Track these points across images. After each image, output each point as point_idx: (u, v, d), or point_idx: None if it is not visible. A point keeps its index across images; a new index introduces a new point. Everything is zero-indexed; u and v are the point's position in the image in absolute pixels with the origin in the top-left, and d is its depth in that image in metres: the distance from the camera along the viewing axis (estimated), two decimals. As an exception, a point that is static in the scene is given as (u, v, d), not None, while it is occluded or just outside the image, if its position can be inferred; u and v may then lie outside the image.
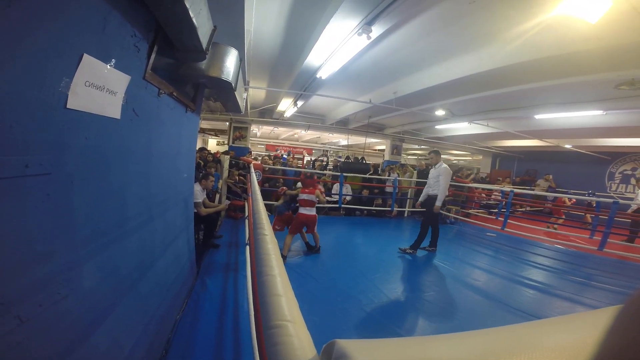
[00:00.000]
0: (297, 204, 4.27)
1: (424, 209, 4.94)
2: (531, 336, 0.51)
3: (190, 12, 1.44)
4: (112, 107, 1.27)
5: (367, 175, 8.11)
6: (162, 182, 2.11)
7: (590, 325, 0.52)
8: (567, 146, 9.67)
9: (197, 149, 6.91)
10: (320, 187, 4.52)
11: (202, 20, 1.63)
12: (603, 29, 3.00)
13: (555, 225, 7.23)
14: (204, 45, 1.82)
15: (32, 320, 0.93)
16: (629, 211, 6.51)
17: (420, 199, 5.03)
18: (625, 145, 8.79)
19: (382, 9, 2.94)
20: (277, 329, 0.53)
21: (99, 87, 1.15)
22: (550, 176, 11.02)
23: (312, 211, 4.11)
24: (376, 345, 0.45)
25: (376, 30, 3.28)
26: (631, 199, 7.16)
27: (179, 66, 2.09)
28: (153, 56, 1.58)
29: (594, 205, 6.72)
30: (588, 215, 8.08)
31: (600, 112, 5.63)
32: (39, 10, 0.82)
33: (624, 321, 0.25)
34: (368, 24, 3.16)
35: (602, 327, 0.26)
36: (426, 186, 4.92)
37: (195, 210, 3.83)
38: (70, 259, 1.11)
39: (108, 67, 1.19)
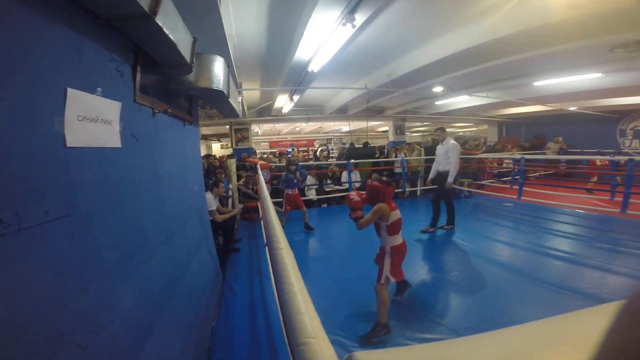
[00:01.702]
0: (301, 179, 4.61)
1: (435, 186, 4.93)
2: (545, 334, 0.52)
3: (165, 30, 1.44)
4: (110, 136, 1.31)
5: (374, 160, 8.08)
6: (175, 199, 2.16)
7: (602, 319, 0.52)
8: (572, 108, 9.41)
9: (202, 155, 7.02)
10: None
11: (179, 35, 1.64)
12: None
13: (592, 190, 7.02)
14: (187, 58, 1.83)
15: (90, 347, 1.02)
16: None
17: (431, 175, 5.04)
18: (632, 103, 8.52)
19: (362, -5, 2.88)
20: (304, 346, 0.59)
21: (93, 119, 1.17)
22: (560, 138, 10.75)
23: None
24: (393, 356, 0.47)
25: (360, 18, 3.22)
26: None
27: (168, 82, 2.11)
28: (139, 77, 1.60)
29: (620, 163, 6.42)
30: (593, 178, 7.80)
31: (599, 74, 5.53)
32: (7, 56, 0.83)
33: (624, 320, 0.25)
34: (350, 12, 3.11)
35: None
36: (435, 163, 4.91)
37: (211, 218, 3.92)
38: (107, 285, 1.19)
39: (95, 97, 1.21)
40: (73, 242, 1.03)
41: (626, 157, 5.19)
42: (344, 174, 7.57)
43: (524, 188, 6.29)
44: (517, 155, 7.36)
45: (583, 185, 7.26)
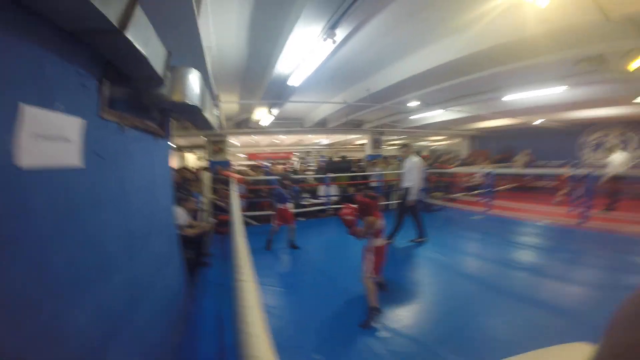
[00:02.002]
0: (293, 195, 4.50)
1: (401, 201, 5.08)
2: None
3: (136, 44, 1.40)
4: (71, 155, 1.24)
5: (352, 174, 8.17)
6: (141, 215, 2.07)
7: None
8: (538, 122, 10.03)
9: (176, 168, 6.81)
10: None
11: (152, 49, 1.61)
12: (553, 13, 3.15)
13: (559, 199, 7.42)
14: (160, 72, 1.79)
15: None
16: (603, 180, 6.54)
17: (412, 197, 5.07)
18: (593, 116, 9.21)
19: (343, 12, 2.96)
20: None
21: (50, 136, 1.10)
22: (528, 151, 11.41)
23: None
24: None
25: (340, 34, 3.32)
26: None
27: (139, 96, 2.05)
28: (106, 92, 1.54)
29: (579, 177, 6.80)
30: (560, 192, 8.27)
31: (563, 88, 5.87)
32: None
33: (621, 323, 0.26)
34: (331, 28, 3.19)
35: None
36: (402, 179, 5.09)
37: (180, 233, 3.77)
38: (59, 307, 1.12)
39: (55, 113, 1.14)
40: (21, 268, 0.96)
41: (585, 171, 5.53)
42: (322, 188, 7.59)
43: (492, 201, 6.57)
44: (487, 170, 7.71)
45: (548, 197, 7.67)
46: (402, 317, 2.71)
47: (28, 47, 1.04)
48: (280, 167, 11.11)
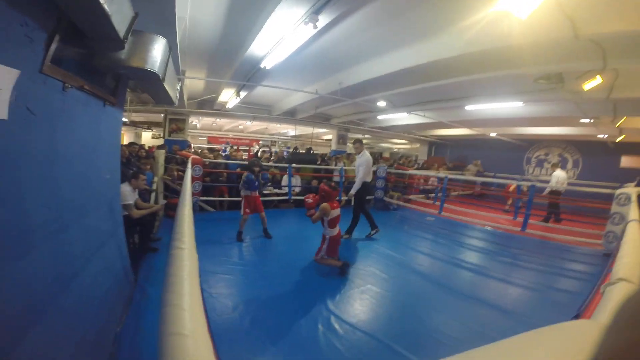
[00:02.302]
0: (262, 182, 4.62)
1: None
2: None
3: None
4: (-6, 105, 1.06)
5: (316, 166, 8.17)
6: (76, 186, 1.86)
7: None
8: (492, 134, 10.84)
9: (126, 143, 6.28)
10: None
11: (116, 7, 1.44)
12: (531, 26, 3.27)
13: (507, 208, 8.07)
14: (121, 33, 1.61)
15: None
16: (544, 193, 7.30)
17: (352, 191, 5.12)
18: (540, 134, 10.15)
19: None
20: None
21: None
22: (479, 161, 12.29)
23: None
24: None
25: (323, 20, 3.26)
26: (547, 181, 8.24)
27: (92, 57, 1.82)
28: (54, 47, 1.35)
29: (523, 189, 7.53)
30: (509, 201, 9.12)
31: (520, 103, 6.32)
32: None
33: (620, 324, 0.26)
34: (315, 12, 3.12)
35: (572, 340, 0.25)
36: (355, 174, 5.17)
37: (127, 213, 3.49)
38: None
39: None
40: None
41: (529, 183, 6.10)
42: (285, 178, 7.49)
43: (445, 204, 6.99)
44: (442, 174, 8.16)
45: (495, 205, 8.35)
46: (357, 311, 2.77)
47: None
48: (240, 153, 10.78)
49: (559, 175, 7.38)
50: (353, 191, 4.90)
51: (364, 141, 20.26)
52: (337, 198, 7.01)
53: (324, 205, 3.30)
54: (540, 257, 4.60)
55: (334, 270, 3.46)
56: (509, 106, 6.72)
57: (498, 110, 7.29)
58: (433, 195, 9.28)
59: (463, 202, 8.83)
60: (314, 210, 3.40)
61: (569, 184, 7.70)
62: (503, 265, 4.26)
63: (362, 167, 4.88)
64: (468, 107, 7.29)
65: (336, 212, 3.38)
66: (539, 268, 4.19)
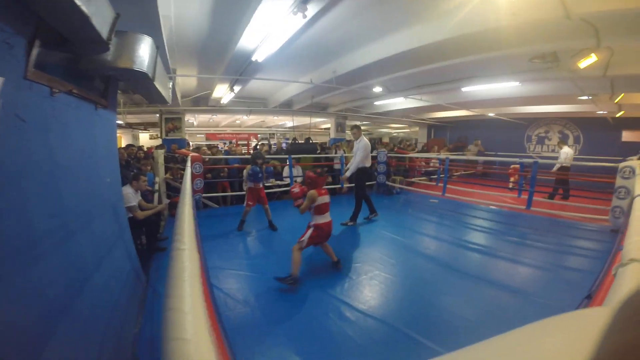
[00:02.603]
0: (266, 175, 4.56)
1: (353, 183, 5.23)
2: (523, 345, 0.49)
3: (77, 1, 1.22)
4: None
5: (315, 155, 8.14)
6: (78, 192, 1.87)
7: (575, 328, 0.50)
8: (491, 114, 10.72)
9: (124, 146, 6.28)
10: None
11: (95, 8, 1.41)
12: (521, 5, 3.24)
13: (511, 185, 8.03)
14: (104, 35, 1.58)
15: None
16: (554, 170, 7.26)
17: (347, 174, 5.22)
18: (538, 112, 10.05)
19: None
20: None
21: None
22: (479, 141, 12.20)
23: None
24: None
25: (312, 9, 3.18)
26: (551, 158, 8.15)
27: (76, 60, 1.80)
28: (35, 52, 1.33)
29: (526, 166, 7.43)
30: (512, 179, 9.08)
31: (516, 83, 6.29)
32: None
33: (620, 322, 0.26)
34: (304, 2, 3.05)
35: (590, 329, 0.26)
36: (351, 160, 5.19)
37: (131, 215, 3.51)
38: None
39: None
40: None
41: (531, 160, 6.05)
42: (286, 169, 7.49)
43: (448, 185, 6.97)
44: (443, 156, 8.11)
45: (498, 184, 8.33)
46: (367, 298, 2.78)
47: None
48: (239, 148, 10.76)
49: (568, 151, 7.34)
50: (348, 174, 4.96)
51: (363, 127, 20.14)
52: (340, 185, 7.06)
53: (312, 192, 3.14)
54: (547, 235, 4.58)
55: (339, 257, 3.46)
56: (506, 86, 6.69)
57: (495, 90, 7.24)
58: (435, 177, 9.25)
59: (466, 182, 8.79)
60: (302, 200, 3.21)
61: (576, 159, 7.66)
62: (510, 244, 4.26)
63: (359, 152, 4.90)
64: (465, 89, 7.21)
65: (324, 198, 3.19)
66: (546, 246, 4.17)
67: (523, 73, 5.85)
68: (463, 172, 10.66)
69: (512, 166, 8.52)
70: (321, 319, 2.46)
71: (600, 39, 3.54)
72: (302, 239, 3.08)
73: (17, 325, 1.13)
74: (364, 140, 5.01)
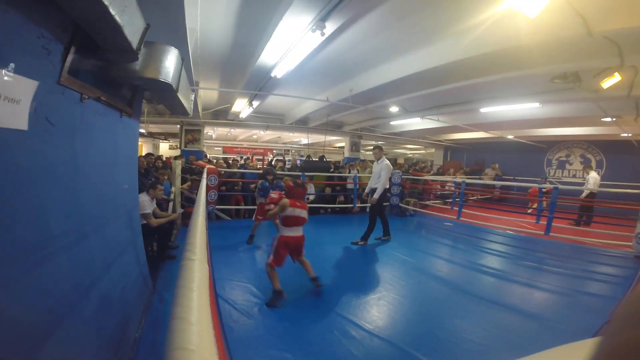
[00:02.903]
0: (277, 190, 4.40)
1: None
2: None
3: (111, 10, 1.29)
4: (15, 117, 1.10)
5: (329, 174, 8.15)
6: (95, 196, 1.90)
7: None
8: (509, 137, 10.53)
9: (143, 154, 6.47)
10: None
11: (128, 18, 1.48)
12: (541, 25, 3.19)
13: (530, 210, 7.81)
14: (134, 45, 1.66)
15: None
16: (582, 196, 7.01)
17: (366, 190, 5.34)
18: (559, 135, 9.79)
19: (335, 4, 2.92)
20: None
21: (-7, 94, 0.98)
22: (497, 165, 11.95)
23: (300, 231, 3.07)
24: None
25: (330, 27, 3.26)
26: (571, 184, 7.87)
27: (107, 68, 1.89)
28: (70, 58, 1.40)
29: (545, 191, 7.32)
30: (531, 203, 8.83)
31: (537, 104, 6.14)
32: None
33: (618, 323, 0.26)
34: (322, 19, 3.14)
35: None
36: (370, 180, 5.22)
37: (145, 222, 3.56)
38: None
39: (4, 72, 1.03)
40: None
41: (551, 186, 5.86)
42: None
43: (463, 209, 6.79)
44: (459, 179, 7.96)
45: (516, 209, 8.07)
46: (374, 318, 2.69)
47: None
48: (254, 162, 10.90)
49: (595, 176, 7.11)
50: (376, 196, 4.86)
51: (374, 144, 20.10)
52: (352, 205, 7.01)
53: (284, 200, 2.90)
54: (567, 261, 4.39)
55: (348, 276, 3.37)
56: (526, 107, 6.55)
57: (514, 111, 7.11)
58: (450, 200, 9.06)
59: (482, 206, 8.57)
60: (274, 206, 3.02)
61: (602, 185, 7.40)
62: (526, 269, 4.08)
63: (384, 172, 4.87)
64: (483, 110, 7.13)
65: (297, 211, 2.92)
66: (565, 271, 3.98)
67: (543, 94, 5.77)
68: (479, 197, 10.41)
69: (530, 190, 8.27)
70: (326, 336, 2.37)
71: (623, 58, 3.46)
72: (269, 257, 2.90)
73: (21, 321, 1.14)
74: (386, 161, 5.01)
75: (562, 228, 5.63)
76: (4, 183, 1.09)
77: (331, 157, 14.85)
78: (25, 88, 1.14)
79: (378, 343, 2.31)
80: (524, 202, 9.02)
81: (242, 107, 8.46)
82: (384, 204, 5.34)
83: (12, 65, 1.06)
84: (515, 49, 3.64)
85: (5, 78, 1.03)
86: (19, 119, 1.11)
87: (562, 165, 11.45)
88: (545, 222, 5.50)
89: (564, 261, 4.38)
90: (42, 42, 1.22)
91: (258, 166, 10.46)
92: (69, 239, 1.56)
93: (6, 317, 1.05)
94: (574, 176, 10.92)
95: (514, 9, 2.95)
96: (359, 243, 4.90)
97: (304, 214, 2.99)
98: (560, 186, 5.91)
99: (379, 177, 4.91)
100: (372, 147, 5.39)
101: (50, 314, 1.34)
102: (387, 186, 5.06)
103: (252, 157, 14.39)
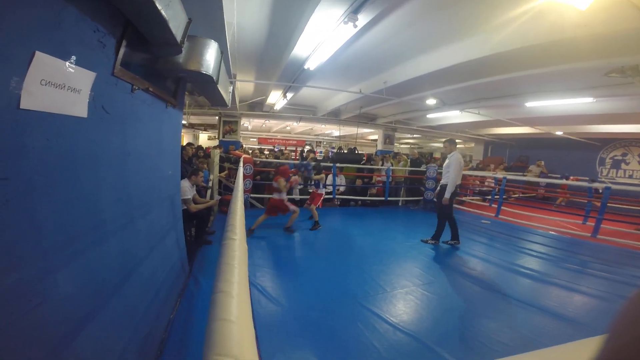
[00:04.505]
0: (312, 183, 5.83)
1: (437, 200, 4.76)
2: None
3: (158, 5, 1.38)
4: (76, 105, 1.21)
5: (360, 165, 8.09)
6: (143, 182, 2.05)
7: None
8: (558, 133, 9.71)
9: (184, 144, 6.86)
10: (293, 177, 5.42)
11: (173, 12, 1.57)
12: (593, 16, 2.93)
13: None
14: (178, 38, 1.75)
15: (7, 329, 0.93)
16: None
17: (436, 190, 4.88)
18: (615, 132, 8.87)
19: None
20: None
21: (59, 85, 1.09)
22: (542, 162, 11.08)
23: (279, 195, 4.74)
24: None
25: (362, 19, 3.20)
26: (626, 184, 7.15)
27: (155, 61, 2.01)
28: (122, 51, 1.51)
29: (599, 190, 6.76)
30: (561, 198, 8.18)
31: (590, 99, 5.64)
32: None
33: (624, 321, 0.27)
34: (354, 12, 3.09)
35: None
36: (444, 176, 4.65)
37: (185, 207, 3.78)
38: (41, 266, 1.08)
39: (67, 64, 1.13)
40: (5, 210, 0.93)
41: (603, 185, 5.37)
42: (329, 177, 7.53)
43: (502, 207, 6.42)
44: (500, 175, 7.52)
45: (561, 209, 7.50)
46: (400, 312, 2.66)
47: (47, 0, 1.04)
48: (289, 153, 11.07)
49: None
50: (447, 195, 4.39)
51: (412, 141, 19.55)
52: (384, 197, 7.09)
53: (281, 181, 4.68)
54: (613, 265, 4.06)
55: (376, 269, 3.36)
56: (577, 102, 6.01)
57: (564, 106, 6.55)
58: (489, 197, 8.60)
59: (524, 205, 8.05)
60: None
61: None
62: (567, 271, 3.82)
63: (452, 167, 4.40)
64: (529, 104, 6.59)
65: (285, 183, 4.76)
66: (610, 276, 3.69)
67: (598, 88, 5.25)
68: (521, 195, 9.76)
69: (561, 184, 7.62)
70: (349, 328, 2.39)
71: None
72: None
73: (71, 301, 1.24)
74: (457, 154, 4.49)
75: (612, 231, 5.15)
76: (66, 166, 1.21)
77: (363, 150, 14.69)
78: (84, 79, 1.25)
79: (402, 337, 2.29)
80: (575, 203, 8.33)
81: (276, 99, 8.61)
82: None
83: (73, 57, 1.16)
84: (564, 42, 3.39)
85: (69, 69, 1.14)
86: (80, 107, 1.23)
87: (617, 165, 10.39)
88: (593, 224, 5.05)
89: (609, 265, 4.06)
90: (98, 35, 1.33)
91: (291, 156, 10.63)
92: (118, 223, 1.67)
93: (57, 297, 1.16)
94: (631, 176, 9.86)
95: (560, 1, 2.72)
96: (429, 242, 4.66)
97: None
98: (612, 186, 5.38)
99: (448, 172, 4.47)
100: (443, 141, 4.89)
101: (97, 296, 1.43)
102: (459, 183, 4.55)
103: (286, 148, 14.65)
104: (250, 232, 4.43)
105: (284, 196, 4.78)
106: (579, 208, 7.38)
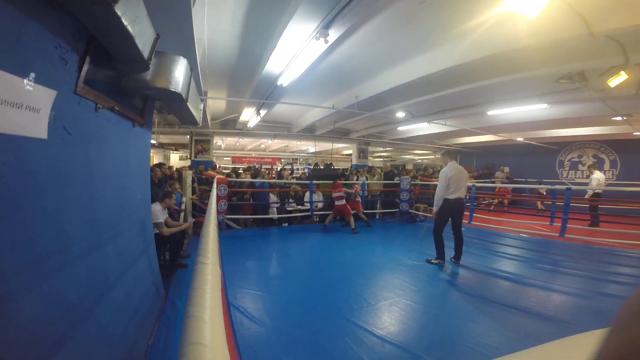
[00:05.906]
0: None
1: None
2: None
3: (124, 20, 1.34)
4: (35, 126, 1.14)
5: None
6: (110, 205, 1.94)
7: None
8: (519, 139, 10.39)
9: (155, 164, 6.60)
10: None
11: (139, 29, 1.53)
12: (541, 26, 3.18)
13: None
14: (145, 54, 1.71)
15: None
16: (586, 197, 6.96)
17: (434, 208, 4.44)
18: (570, 135, 9.64)
19: (338, 11, 2.96)
20: None
21: (15, 104, 1.02)
22: (507, 168, 11.75)
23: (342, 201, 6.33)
24: None
25: (333, 34, 3.30)
26: (584, 184, 7.77)
27: (120, 78, 1.94)
28: (85, 68, 1.45)
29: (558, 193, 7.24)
30: (539, 203, 8.73)
31: (545, 105, 6.07)
32: None
33: (625, 320, 0.26)
34: (325, 27, 3.18)
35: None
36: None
37: (157, 231, 3.60)
38: (5, 290, 1.01)
39: (26, 81, 1.07)
40: None
41: (564, 187, 5.75)
42: (307, 194, 7.50)
43: (474, 214, 6.68)
44: (469, 183, 7.86)
45: (529, 211, 7.91)
46: (386, 324, 2.63)
47: (10, 13, 1.00)
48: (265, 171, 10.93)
49: (599, 176, 6.98)
50: (435, 209, 4.22)
51: (384, 154, 20.07)
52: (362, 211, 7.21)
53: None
54: (583, 262, 4.31)
55: (358, 283, 3.33)
56: (534, 108, 6.48)
57: (523, 113, 7.04)
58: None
59: (494, 211, 8.45)
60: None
61: (608, 185, 7.24)
62: (542, 271, 3.99)
63: (440, 180, 4.23)
64: (491, 112, 7.04)
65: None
66: (582, 273, 3.90)
67: (551, 94, 5.70)
68: (490, 201, 10.22)
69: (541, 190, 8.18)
70: (336, 343, 2.33)
71: (628, 56, 3.44)
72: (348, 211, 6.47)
73: (38, 324, 1.16)
74: (444, 169, 4.26)
75: (577, 229, 5.51)
76: (24, 190, 1.12)
77: (339, 165, 14.86)
78: (44, 97, 1.18)
79: (390, 349, 2.27)
80: (534, 204, 8.87)
81: (249, 116, 8.57)
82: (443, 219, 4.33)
83: (32, 74, 1.10)
84: (517, 51, 3.64)
85: (27, 87, 1.07)
86: (39, 128, 1.15)
87: (574, 166, 11.24)
88: (559, 224, 5.38)
89: (580, 262, 4.29)
90: (60, 52, 1.27)
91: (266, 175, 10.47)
92: (85, 244, 1.59)
93: (23, 320, 1.07)
94: (588, 177, 10.70)
95: (514, 11, 2.93)
96: (433, 262, 4.31)
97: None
98: (573, 187, 5.80)
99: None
100: (441, 152, 4.76)
101: (66, 319, 1.36)
102: (451, 197, 4.15)
103: (261, 167, 14.51)
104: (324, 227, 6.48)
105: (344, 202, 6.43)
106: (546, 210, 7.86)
